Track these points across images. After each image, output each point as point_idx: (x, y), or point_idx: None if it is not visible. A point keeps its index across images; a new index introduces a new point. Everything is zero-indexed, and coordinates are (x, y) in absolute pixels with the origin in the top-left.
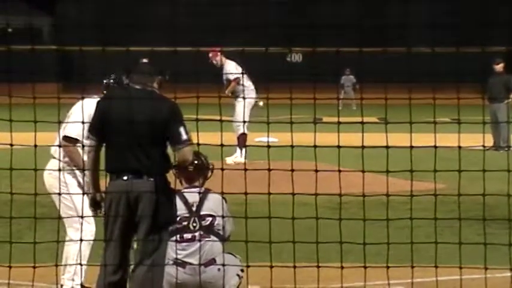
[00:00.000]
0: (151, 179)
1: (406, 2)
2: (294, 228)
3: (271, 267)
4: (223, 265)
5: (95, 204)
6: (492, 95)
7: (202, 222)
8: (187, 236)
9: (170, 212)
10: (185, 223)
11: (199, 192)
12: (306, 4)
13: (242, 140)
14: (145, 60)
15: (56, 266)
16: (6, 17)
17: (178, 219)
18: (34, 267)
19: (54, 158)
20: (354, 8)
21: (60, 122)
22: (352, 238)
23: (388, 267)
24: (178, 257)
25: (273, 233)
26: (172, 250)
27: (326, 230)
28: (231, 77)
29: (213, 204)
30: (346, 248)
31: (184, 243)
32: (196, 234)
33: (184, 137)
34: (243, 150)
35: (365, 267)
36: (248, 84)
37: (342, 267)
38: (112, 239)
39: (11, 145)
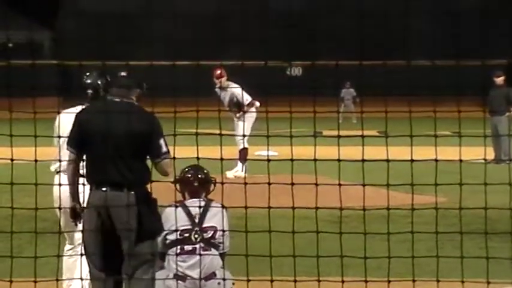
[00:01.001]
0: (132, 192)
1: (406, 15)
2: (294, 242)
3: (272, 281)
4: (224, 279)
5: (75, 216)
6: (493, 107)
7: (204, 234)
8: (188, 247)
9: (154, 223)
10: (187, 235)
11: (200, 206)
12: (306, 17)
13: (243, 154)
14: (123, 74)
15: (57, 280)
16: (7, 32)
17: (180, 230)
18: (35, 281)
19: (59, 172)
20: (354, 22)
21: (60, 137)
22: (353, 252)
23: (389, 281)
24: (179, 269)
25: (273, 246)
26: (173, 262)
27: (326, 244)
28: (244, 101)
29: (215, 216)
30: (346, 262)
31: (185, 255)
32: (197, 246)
33: (164, 149)
34: (244, 164)
35: (366, 281)
36: (247, 98)
37: (343, 281)
38: (92, 251)
39: (12, 160)
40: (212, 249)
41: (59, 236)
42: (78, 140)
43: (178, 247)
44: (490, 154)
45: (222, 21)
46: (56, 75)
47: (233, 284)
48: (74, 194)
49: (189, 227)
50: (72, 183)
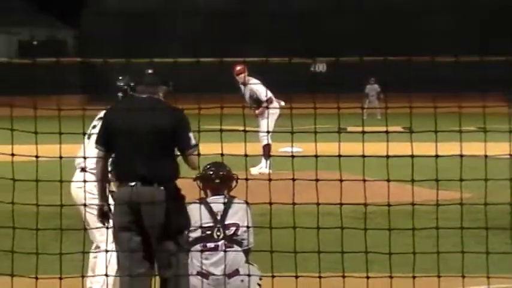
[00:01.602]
0: (161, 187)
1: (430, 12)
2: (319, 238)
3: (297, 277)
4: (249, 275)
5: (102, 215)
6: None
7: (227, 231)
8: (211, 245)
9: (182, 219)
10: (209, 232)
11: (224, 203)
12: (329, 14)
13: (267, 150)
14: (150, 71)
15: (82, 277)
16: (31, 30)
17: (202, 228)
18: (60, 278)
19: (83, 170)
20: (381, 18)
21: (84, 134)
22: (378, 248)
23: (414, 277)
24: (202, 267)
25: (297, 243)
26: (197, 259)
27: (351, 240)
28: (263, 97)
29: (237, 213)
30: (371, 258)
31: (208, 253)
32: (220, 243)
33: (193, 142)
34: (268, 160)
35: (391, 277)
36: (267, 95)
37: (368, 277)
38: (122, 247)
39: (37, 157)
40: (235, 246)
41: (84, 233)
42: (106, 138)
43: (201, 244)
44: None
45: (244, 18)
46: (79, 73)
47: (260, 279)
48: (102, 192)
49: (211, 224)
50: (101, 180)
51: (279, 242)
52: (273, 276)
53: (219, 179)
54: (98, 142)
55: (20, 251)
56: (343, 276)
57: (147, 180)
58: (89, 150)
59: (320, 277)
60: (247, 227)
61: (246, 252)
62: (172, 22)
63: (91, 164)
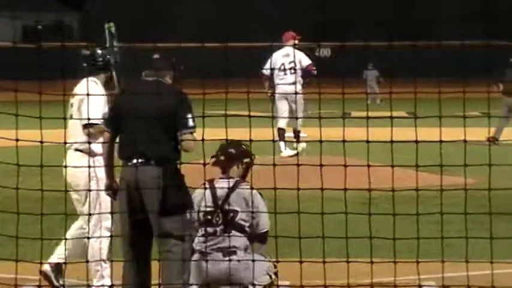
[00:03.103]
0: (160, 166)
1: None
2: (323, 224)
3: (301, 262)
4: (253, 260)
5: (111, 192)
6: (510, 88)
7: (226, 217)
8: (210, 230)
9: (180, 199)
10: (209, 217)
11: (228, 188)
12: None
13: (280, 134)
14: (156, 56)
15: (87, 262)
16: (36, 14)
17: (203, 212)
18: (65, 263)
19: (79, 151)
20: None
21: (89, 119)
22: (382, 233)
23: (418, 262)
24: (202, 250)
25: (302, 228)
26: (198, 243)
27: (355, 226)
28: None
29: (238, 199)
30: (376, 243)
31: (209, 237)
32: (218, 229)
33: (191, 123)
34: (282, 143)
35: (395, 262)
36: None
37: (372, 262)
38: (124, 230)
39: (41, 142)
40: (233, 232)
41: (88, 218)
42: (113, 120)
43: (202, 229)
44: None
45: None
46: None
47: (275, 274)
48: (109, 170)
49: (212, 209)
50: (109, 159)
51: (284, 228)
52: (277, 261)
53: (223, 156)
54: (106, 124)
55: (24, 237)
56: (348, 262)
57: (146, 158)
58: (74, 130)
59: (324, 262)
60: (252, 212)
61: (258, 238)
62: (178, 6)
63: (82, 144)
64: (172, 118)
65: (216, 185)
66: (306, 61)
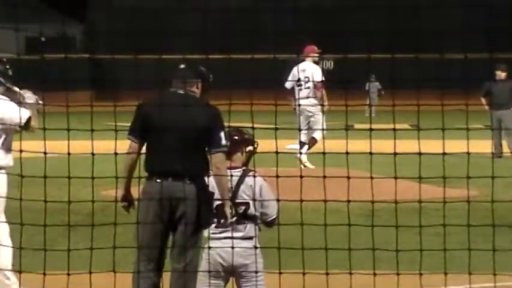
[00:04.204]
0: (193, 183)
1: (438, 7)
2: (326, 235)
3: (304, 274)
4: (255, 247)
5: (127, 203)
6: (498, 101)
7: (237, 209)
8: (223, 220)
9: (209, 215)
10: (220, 209)
11: (238, 177)
12: (336, 11)
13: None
14: (182, 66)
15: (90, 273)
16: (40, 26)
17: (215, 205)
18: (68, 274)
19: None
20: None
21: (93, 130)
22: (385, 245)
23: (421, 274)
24: (215, 238)
25: (305, 240)
26: (212, 232)
27: (358, 237)
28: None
29: (248, 190)
30: (378, 255)
31: (220, 229)
32: (231, 220)
33: (224, 142)
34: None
35: (398, 274)
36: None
37: (375, 274)
38: (147, 242)
39: (45, 153)
40: (246, 221)
41: (92, 229)
42: (141, 131)
43: (215, 220)
44: None
45: (254, 14)
46: (88, 69)
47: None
48: (128, 182)
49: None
50: (130, 171)
51: (286, 239)
52: (280, 273)
53: (228, 141)
54: (132, 134)
55: (27, 247)
56: (350, 273)
57: (179, 175)
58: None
59: (327, 274)
60: (258, 200)
61: (267, 224)
62: (181, 17)
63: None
64: (204, 135)
65: None
66: (317, 77)
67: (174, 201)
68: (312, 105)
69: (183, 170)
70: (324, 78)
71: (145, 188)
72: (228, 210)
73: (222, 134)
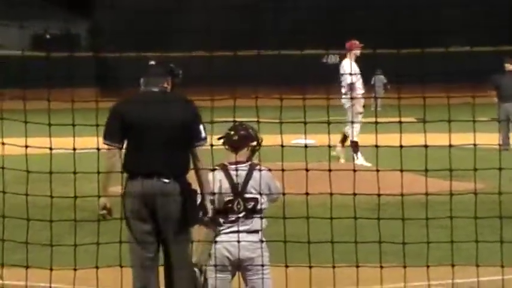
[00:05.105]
0: (176, 181)
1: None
2: (332, 229)
3: (310, 267)
4: (262, 241)
5: (106, 211)
6: (507, 94)
7: (247, 204)
8: (232, 217)
9: (195, 212)
10: (229, 205)
11: (246, 172)
12: (341, 8)
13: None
14: (152, 62)
15: (96, 268)
16: (45, 24)
17: (224, 201)
18: (75, 269)
19: None
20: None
21: (98, 126)
22: (391, 239)
23: (428, 266)
24: (224, 232)
25: (311, 233)
26: (221, 228)
27: (364, 231)
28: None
29: (256, 185)
30: (385, 249)
31: (228, 224)
32: (240, 215)
33: (203, 134)
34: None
35: (405, 266)
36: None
37: (382, 267)
38: (137, 239)
39: (50, 149)
40: (254, 215)
41: (98, 225)
42: (119, 132)
43: (222, 216)
44: None
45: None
46: (93, 66)
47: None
48: (107, 188)
49: (231, 197)
50: (108, 177)
51: (293, 233)
52: (286, 266)
53: (237, 136)
54: (111, 138)
55: (34, 243)
56: (357, 266)
57: (161, 174)
58: None
59: (334, 267)
60: (266, 194)
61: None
62: (186, 15)
63: None
64: (184, 130)
65: (231, 172)
66: (345, 75)
67: (159, 200)
68: (346, 102)
69: (166, 169)
70: (353, 74)
71: (127, 188)
72: (208, 205)
73: (202, 127)
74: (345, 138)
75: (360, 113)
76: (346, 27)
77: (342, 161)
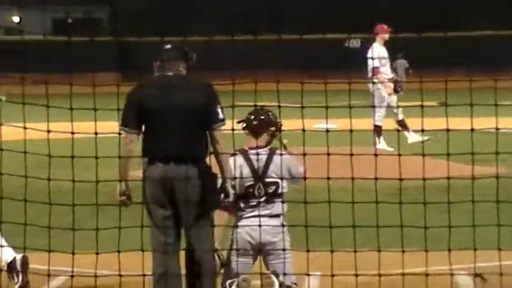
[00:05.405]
0: (196, 165)
1: None
2: (354, 213)
3: (332, 252)
4: (283, 225)
5: (125, 197)
6: None
7: (267, 189)
8: (253, 202)
9: (215, 196)
10: (250, 190)
11: (262, 155)
12: None
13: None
14: (168, 46)
15: (118, 252)
16: (67, 7)
17: (244, 186)
18: (97, 253)
19: None
20: None
21: (119, 110)
22: (413, 223)
23: (449, 250)
24: (246, 217)
25: (332, 218)
26: (243, 212)
27: (386, 216)
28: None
29: (277, 169)
30: (406, 233)
31: (249, 209)
32: (261, 200)
33: (221, 116)
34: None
35: (426, 251)
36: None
37: (403, 252)
38: (157, 224)
39: (72, 133)
40: (276, 199)
41: (120, 209)
42: (136, 118)
43: (243, 201)
44: None
45: None
46: (114, 51)
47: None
48: (125, 174)
49: (252, 182)
50: (125, 164)
51: (314, 218)
52: (308, 251)
53: (257, 121)
54: (128, 124)
55: (56, 227)
56: (379, 251)
57: (180, 159)
58: None
59: (355, 251)
60: (281, 178)
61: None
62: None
63: None
64: (202, 113)
65: (251, 157)
66: (370, 59)
67: (177, 185)
68: (371, 86)
69: (184, 153)
70: (378, 58)
71: (147, 173)
72: (229, 188)
73: (219, 109)
74: (401, 122)
75: (389, 95)
76: (368, 12)
77: (425, 138)
